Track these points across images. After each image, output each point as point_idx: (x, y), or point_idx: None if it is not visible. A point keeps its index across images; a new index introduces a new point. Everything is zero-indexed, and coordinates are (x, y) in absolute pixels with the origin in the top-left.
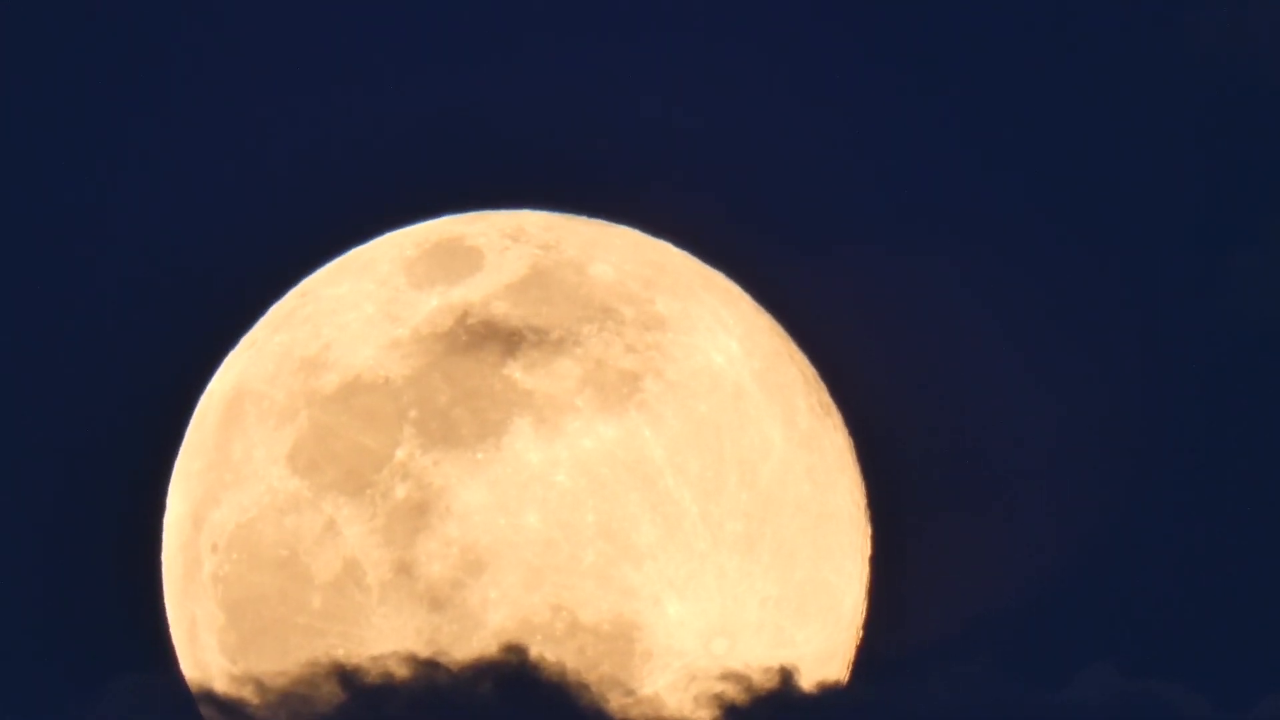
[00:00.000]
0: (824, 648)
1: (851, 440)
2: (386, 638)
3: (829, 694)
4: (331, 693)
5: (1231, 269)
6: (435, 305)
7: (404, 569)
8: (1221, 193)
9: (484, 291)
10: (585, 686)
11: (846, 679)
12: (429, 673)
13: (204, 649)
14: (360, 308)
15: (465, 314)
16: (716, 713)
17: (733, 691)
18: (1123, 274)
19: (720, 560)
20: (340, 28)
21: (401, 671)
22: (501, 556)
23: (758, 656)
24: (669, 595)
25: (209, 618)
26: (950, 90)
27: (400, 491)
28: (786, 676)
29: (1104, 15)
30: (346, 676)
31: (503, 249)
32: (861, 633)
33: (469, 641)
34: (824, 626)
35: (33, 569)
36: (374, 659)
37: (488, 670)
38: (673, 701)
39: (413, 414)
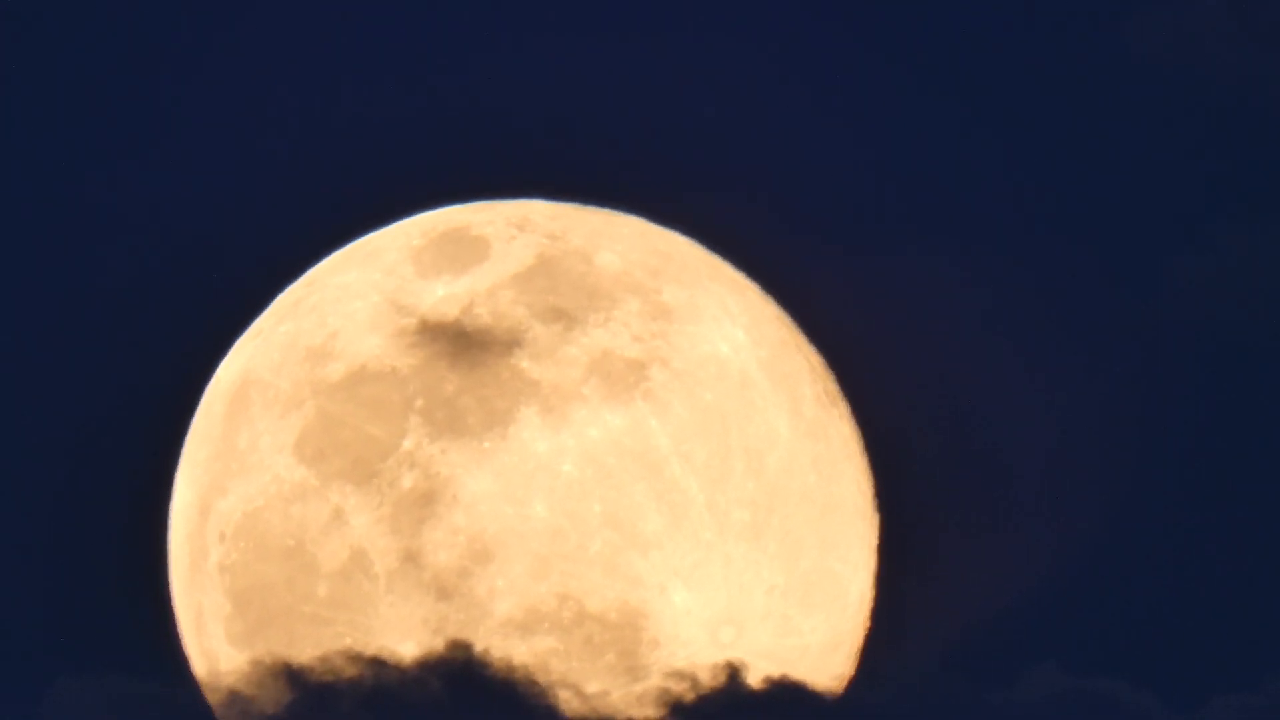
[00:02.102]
0: (830, 637)
1: (858, 430)
2: (393, 627)
3: (782, 690)
4: (280, 691)
5: (1174, 275)
6: (442, 294)
7: (411, 558)
8: (1165, 198)
9: (490, 281)
10: (534, 683)
11: (852, 669)
12: (377, 671)
13: (210, 638)
14: (367, 297)
15: (472, 303)
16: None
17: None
18: (1075, 276)
19: (727, 549)
20: (348, 18)
21: (350, 670)
22: (508, 545)
23: (764, 645)
24: (675, 584)
25: (215, 607)
26: (943, 88)
27: (407, 480)
28: (734, 673)
29: (1047, 23)
30: (294, 675)
31: (509, 238)
32: (868, 622)
33: (476, 630)
34: (830, 616)
35: (39, 559)
36: (321, 659)
37: (435, 668)
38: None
39: (419, 403)
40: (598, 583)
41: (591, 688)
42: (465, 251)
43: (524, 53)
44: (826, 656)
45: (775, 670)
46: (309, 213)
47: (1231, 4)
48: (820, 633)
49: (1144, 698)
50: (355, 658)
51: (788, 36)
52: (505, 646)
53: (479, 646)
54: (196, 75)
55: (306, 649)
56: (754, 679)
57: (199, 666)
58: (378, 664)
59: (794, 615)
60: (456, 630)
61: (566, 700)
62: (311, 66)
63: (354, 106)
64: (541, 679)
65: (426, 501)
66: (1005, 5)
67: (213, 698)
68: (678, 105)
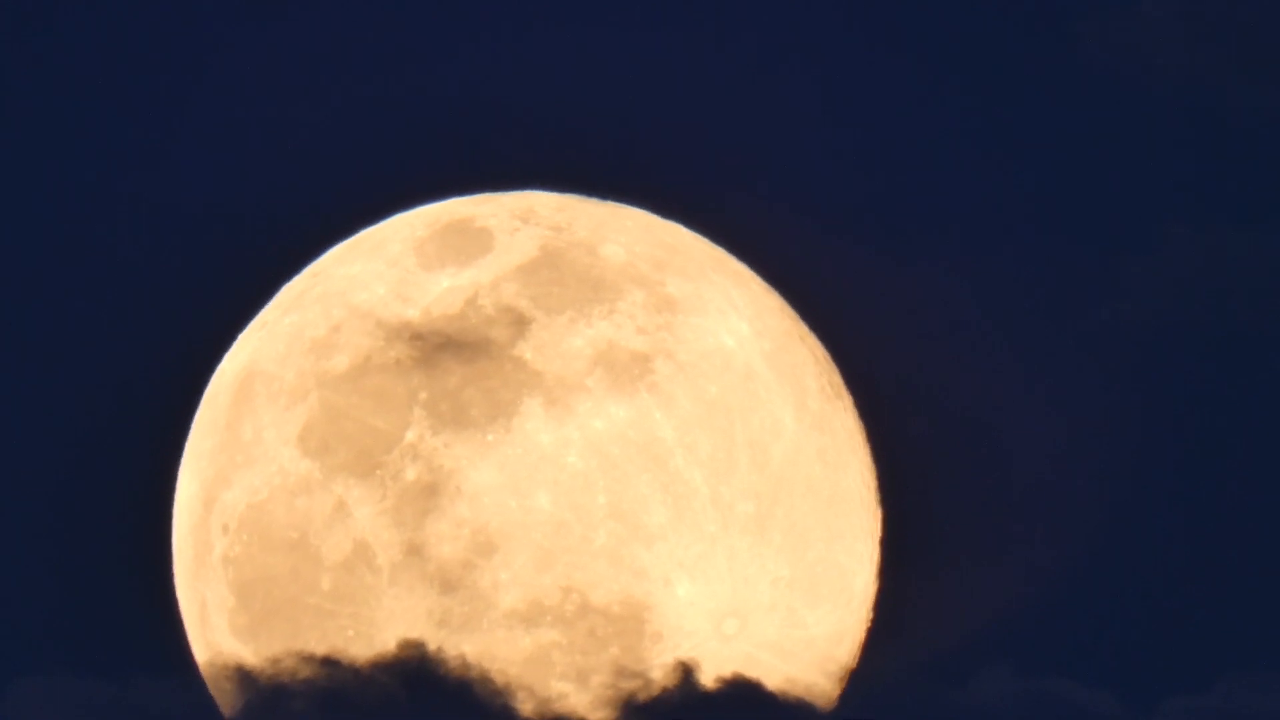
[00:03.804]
0: (835, 629)
1: (862, 422)
2: (397, 619)
3: (733, 689)
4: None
5: (1126, 274)
6: (446, 286)
7: (414, 550)
8: (1115, 199)
9: (495, 273)
10: (489, 682)
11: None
12: (331, 671)
13: (215, 630)
14: (371, 288)
15: (476, 295)
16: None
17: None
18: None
19: (731, 541)
20: (352, 10)
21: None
22: (512, 538)
23: (768, 637)
24: (680, 576)
25: (219, 599)
26: (928, 87)
27: (411, 473)
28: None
29: (995, 26)
30: (246, 676)
31: (513, 230)
32: (872, 614)
33: (480, 623)
34: (835, 608)
35: (42, 552)
36: (273, 660)
37: (390, 668)
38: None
39: (423, 395)
40: (602, 575)
41: (595, 681)
42: (469, 243)
43: (528, 44)
44: (831, 648)
45: (780, 662)
46: (313, 204)
47: (1181, 7)
48: (825, 624)
49: (1098, 698)
50: (309, 658)
51: (791, 31)
52: (509, 639)
53: (481, 639)
54: (201, 67)
55: (310, 642)
56: (726, 678)
57: (203, 659)
58: (332, 664)
59: (799, 607)
60: (460, 623)
61: (523, 700)
62: (316, 58)
63: (358, 98)
64: (498, 679)
65: (430, 494)
66: (957, 10)
67: (216, 691)
68: (682, 97)
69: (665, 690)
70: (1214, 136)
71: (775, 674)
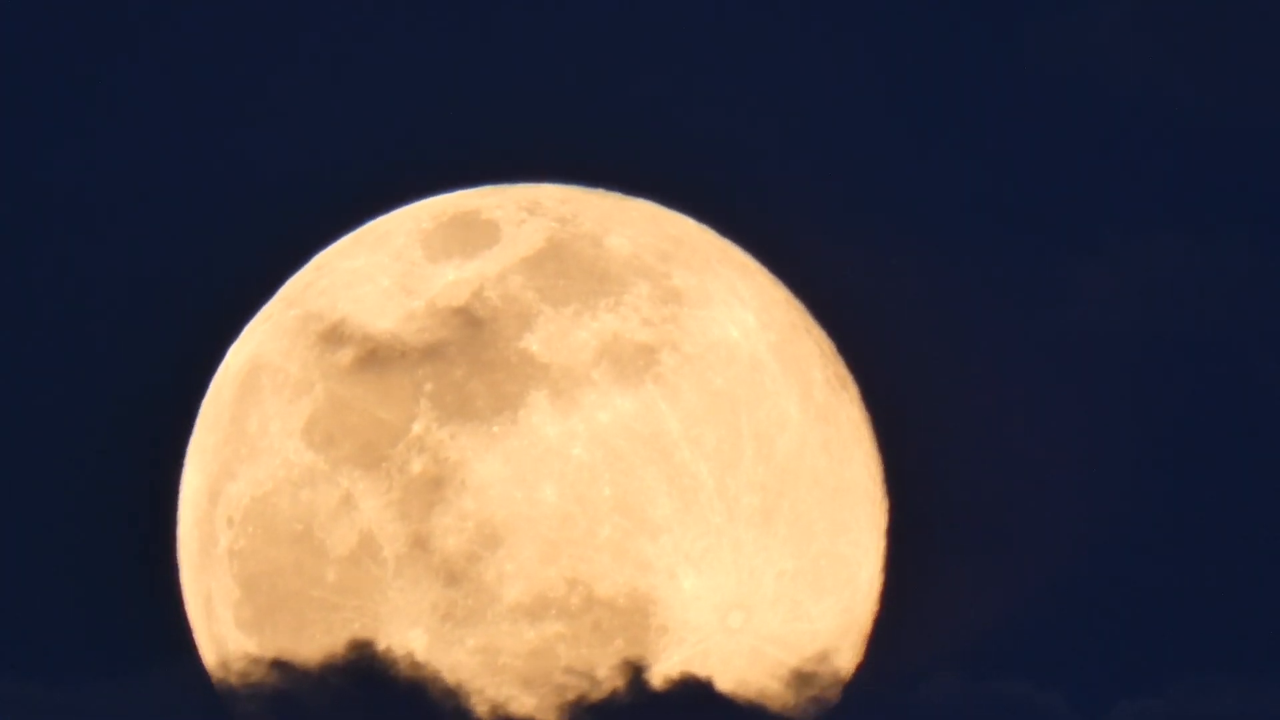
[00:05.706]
0: (840, 621)
1: (867, 413)
2: (402, 612)
3: (692, 687)
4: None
5: (1077, 280)
6: (451, 278)
7: (420, 543)
8: (1065, 205)
9: (500, 265)
10: (440, 682)
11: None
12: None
13: (219, 623)
14: (376, 281)
15: (482, 287)
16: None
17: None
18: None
19: (736, 533)
20: (357, 3)
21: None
22: (518, 530)
23: (774, 630)
24: (685, 569)
25: (224, 592)
26: (924, 85)
27: (416, 465)
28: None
29: (946, 27)
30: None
31: (519, 222)
32: (877, 607)
33: (484, 616)
34: (840, 600)
35: (47, 545)
36: (222, 665)
37: (340, 668)
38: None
39: (429, 387)
40: (607, 568)
41: (600, 673)
42: (475, 235)
43: (534, 37)
44: (837, 640)
45: (784, 655)
46: (318, 197)
47: (1131, 13)
48: (830, 617)
49: (1050, 700)
50: (258, 660)
51: (795, 26)
52: (513, 632)
53: (486, 632)
54: (206, 60)
55: (315, 635)
56: (675, 679)
57: (208, 653)
58: (283, 666)
59: (804, 600)
60: (465, 616)
61: (478, 702)
62: (322, 51)
63: (363, 91)
64: (450, 679)
65: (435, 486)
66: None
67: (221, 684)
68: (687, 90)
69: (615, 691)
70: (1162, 142)
71: (779, 668)
